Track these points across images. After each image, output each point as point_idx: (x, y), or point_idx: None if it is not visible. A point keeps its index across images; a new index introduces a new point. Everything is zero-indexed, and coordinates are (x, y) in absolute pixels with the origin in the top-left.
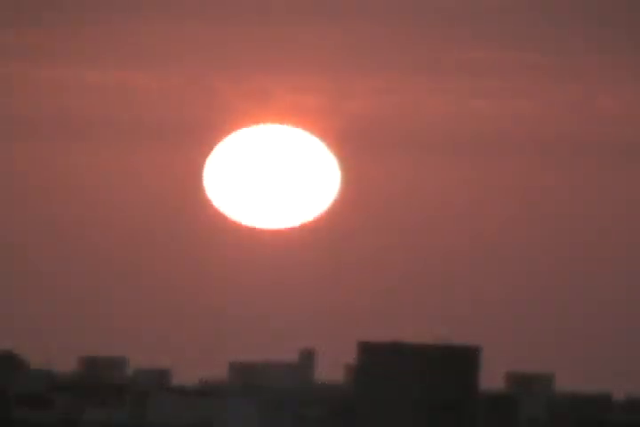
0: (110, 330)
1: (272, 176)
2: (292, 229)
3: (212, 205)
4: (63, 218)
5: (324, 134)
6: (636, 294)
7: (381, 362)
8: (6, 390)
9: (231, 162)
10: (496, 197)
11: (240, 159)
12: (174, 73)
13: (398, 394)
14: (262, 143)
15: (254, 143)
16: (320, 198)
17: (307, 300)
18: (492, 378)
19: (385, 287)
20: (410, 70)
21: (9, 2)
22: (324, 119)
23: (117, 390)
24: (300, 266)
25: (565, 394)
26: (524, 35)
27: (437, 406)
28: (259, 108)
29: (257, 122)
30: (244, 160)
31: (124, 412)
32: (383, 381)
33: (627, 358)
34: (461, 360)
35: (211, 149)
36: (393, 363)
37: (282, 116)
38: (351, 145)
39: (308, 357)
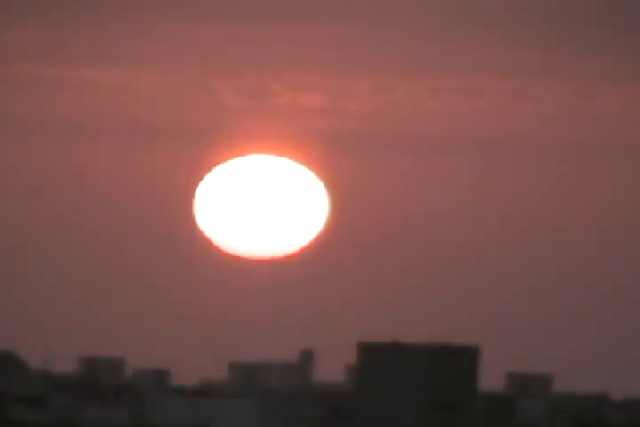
0: (110, 330)
1: (261, 206)
2: (289, 254)
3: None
4: (63, 218)
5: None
6: (636, 293)
7: (381, 362)
8: (5, 391)
9: (221, 192)
10: (497, 198)
11: (230, 189)
12: (174, 73)
13: (398, 394)
14: (251, 173)
15: (244, 173)
16: (311, 224)
17: (306, 300)
18: (491, 378)
19: (385, 287)
20: (410, 70)
21: (9, 2)
22: (323, 119)
23: (117, 391)
24: (300, 268)
25: (565, 394)
26: (525, 35)
27: (437, 406)
28: (258, 107)
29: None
30: (234, 190)
31: (123, 412)
32: (383, 381)
33: (626, 358)
34: (461, 360)
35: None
36: (393, 363)
37: (281, 116)
38: (347, 147)
39: (307, 357)
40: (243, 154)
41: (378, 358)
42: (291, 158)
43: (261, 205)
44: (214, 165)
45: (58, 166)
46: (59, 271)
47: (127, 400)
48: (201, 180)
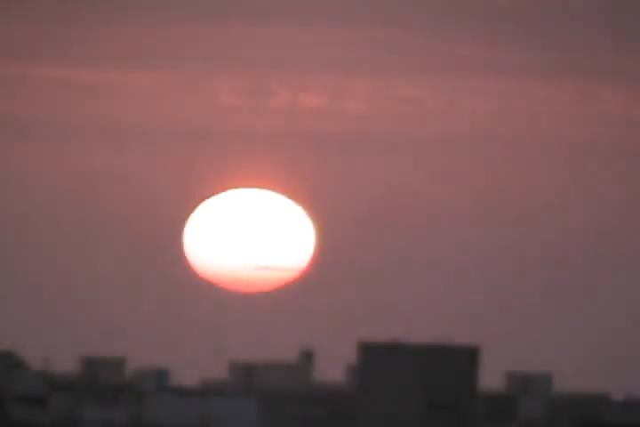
0: (110, 330)
1: (249, 240)
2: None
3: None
4: (62, 218)
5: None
6: (636, 294)
7: (381, 362)
8: (5, 391)
9: (210, 225)
10: (496, 198)
11: (218, 223)
12: (172, 73)
13: (398, 394)
14: (239, 207)
15: (231, 208)
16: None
17: (307, 299)
18: (491, 378)
19: (385, 288)
20: (410, 70)
21: (9, 2)
22: (323, 119)
23: (117, 391)
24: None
25: (564, 394)
26: (525, 35)
27: (437, 406)
28: (258, 108)
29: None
30: (223, 223)
31: (123, 412)
32: (383, 381)
33: (626, 358)
34: (461, 360)
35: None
36: (393, 363)
37: (281, 116)
38: (346, 147)
39: (308, 357)
40: (231, 187)
41: (378, 358)
42: (278, 192)
43: (249, 239)
44: (204, 198)
45: (55, 167)
46: (59, 271)
47: (127, 400)
48: (191, 212)
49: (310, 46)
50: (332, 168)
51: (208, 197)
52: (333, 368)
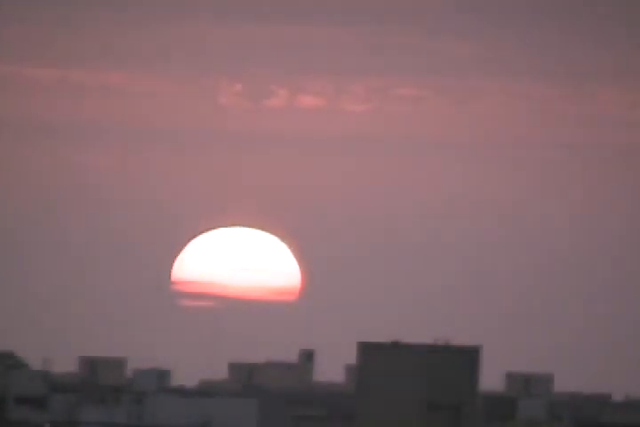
0: (110, 330)
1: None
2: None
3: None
4: (62, 219)
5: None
6: (636, 294)
7: (381, 362)
8: (5, 391)
9: (199, 260)
10: (497, 198)
11: (206, 259)
12: (173, 74)
13: (398, 394)
14: (226, 245)
15: (219, 244)
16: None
17: (307, 299)
18: (491, 378)
19: (385, 288)
20: (411, 70)
21: (7, 2)
22: (322, 120)
23: (117, 391)
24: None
25: (565, 394)
26: (525, 35)
27: (437, 406)
28: (258, 108)
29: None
30: (211, 259)
31: (123, 412)
32: (383, 381)
33: (626, 358)
34: (461, 360)
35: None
36: (393, 363)
37: (280, 116)
38: (345, 147)
39: (308, 357)
40: (219, 226)
41: (378, 358)
42: (264, 230)
43: (237, 273)
44: (193, 236)
45: (55, 167)
46: (58, 272)
47: (127, 400)
48: (180, 250)
49: (310, 47)
50: (330, 169)
51: (200, 231)
52: (333, 368)
